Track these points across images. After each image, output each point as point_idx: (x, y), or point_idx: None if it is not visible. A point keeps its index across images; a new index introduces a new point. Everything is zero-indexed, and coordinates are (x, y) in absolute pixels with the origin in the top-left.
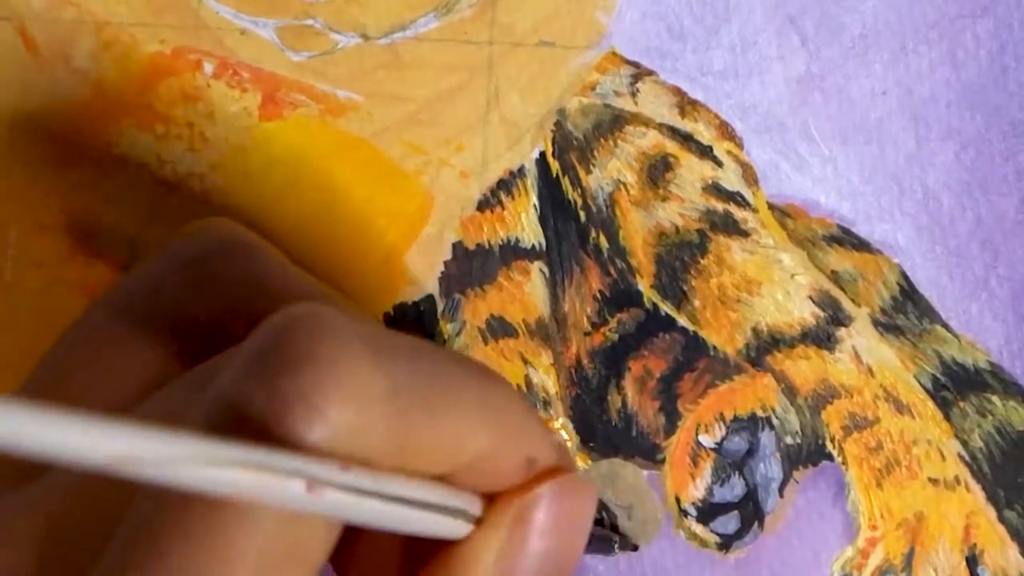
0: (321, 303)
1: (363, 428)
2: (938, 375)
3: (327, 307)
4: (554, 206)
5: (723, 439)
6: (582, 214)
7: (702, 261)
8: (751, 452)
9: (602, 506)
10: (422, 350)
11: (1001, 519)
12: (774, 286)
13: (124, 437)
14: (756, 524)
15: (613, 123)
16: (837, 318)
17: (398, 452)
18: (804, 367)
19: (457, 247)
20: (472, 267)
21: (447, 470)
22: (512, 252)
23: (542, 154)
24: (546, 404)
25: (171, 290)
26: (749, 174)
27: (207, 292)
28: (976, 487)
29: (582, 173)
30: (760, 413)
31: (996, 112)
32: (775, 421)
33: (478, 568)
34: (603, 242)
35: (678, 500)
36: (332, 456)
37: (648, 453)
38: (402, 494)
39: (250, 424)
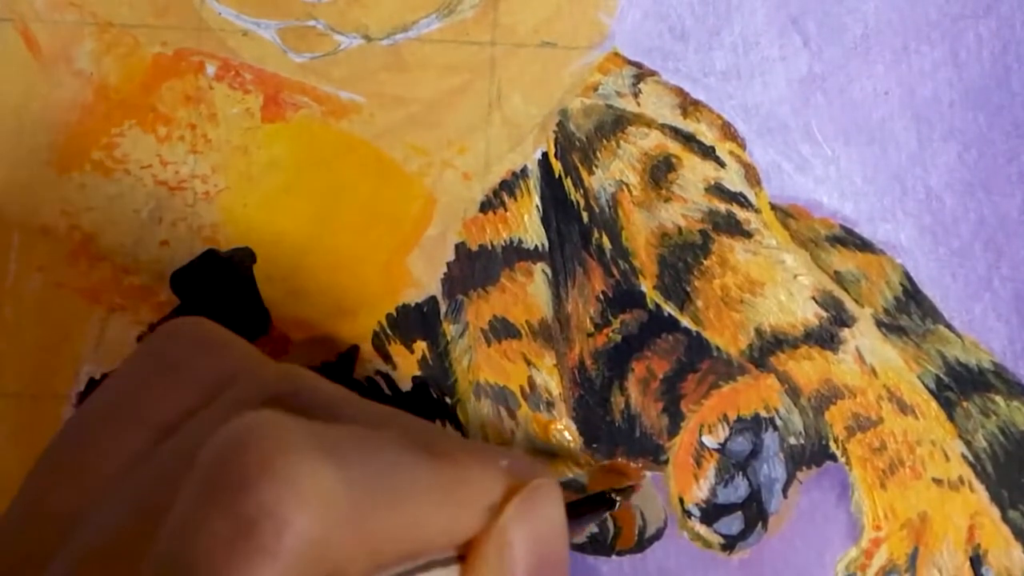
0: (269, 392)
1: (330, 531)
2: (941, 375)
3: (273, 413)
4: (557, 207)
5: (727, 440)
6: (585, 215)
7: (705, 262)
8: (755, 453)
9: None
10: (370, 441)
11: (1005, 519)
12: (777, 287)
13: None
14: (760, 525)
15: (615, 124)
16: (840, 319)
17: (365, 546)
18: (807, 368)
19: (460, 248)
20: (475, 268)
21: (415, 551)
22: (515, 253)
23: (544, 155)
24: (549, 405)
25: (152, 393)
26: (752, 175)
27: (185, 392)
28: (980, 487)
29: (584, 174)
30: (764, 414)
31: (999, 112)
32: (779, 422)
33: None
34: (606, 243)
35: (682, 501)
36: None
37: (652, 454)
38: None
39: (215, 551)
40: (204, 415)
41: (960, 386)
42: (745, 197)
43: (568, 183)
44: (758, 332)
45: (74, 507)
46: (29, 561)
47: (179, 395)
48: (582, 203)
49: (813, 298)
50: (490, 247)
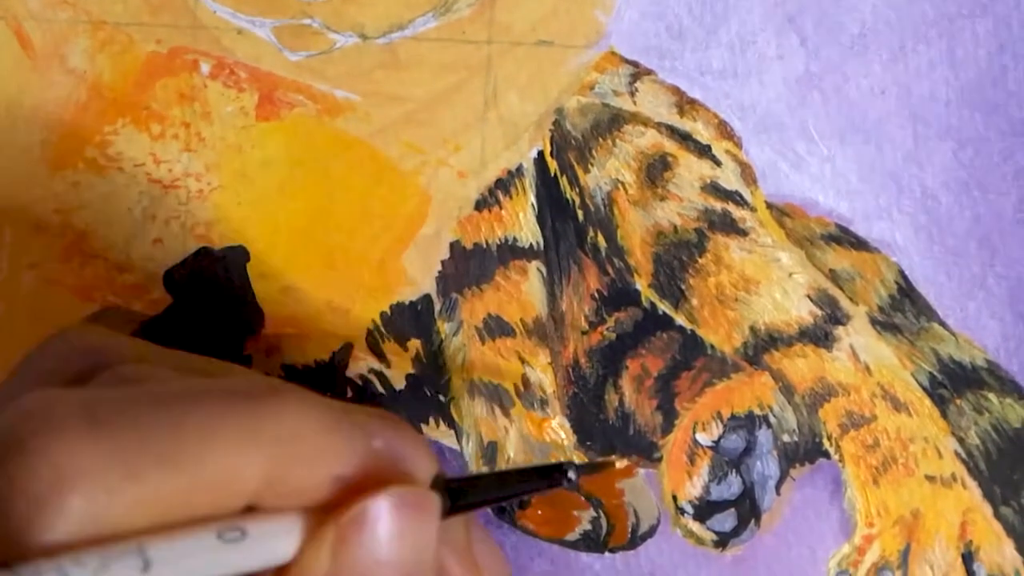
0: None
1: (99, 503)
2: (935, 373)
3: (44, 392)
4: (552, 205)
5: (720, 437)
6: (580, 213)
7: (700, 260)
8: (748, 450)
9: (597, 504)
10: (165, 399)
11: (997, 516)
12: (772, 285)
13: None
14: (753, 522)
15: (611, 122)
16: (835, 316)
17: (147, 506)
18: (802, 365)
19: (455, 246)
20: (470, 266)
21: (234, 504)
22: (510, 251)
23: (540, 153)
24: (543, 403)
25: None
26: (747, 173)
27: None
28: (972, 484)
29: (580, 172)
30: (757, 411)
31: (995, 111)
32: (772, 419)
33: None
34: (601, 241)
35: (675, 498)
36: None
37: (645, 451)
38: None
39: None
40: None
41: (953, 383)
42: (741, 195)
43: (564, 181)
44: (753, 330)
45: None
46: None
47: None
48: (577, 201)
49: (808, 296)
50: (485, 245)
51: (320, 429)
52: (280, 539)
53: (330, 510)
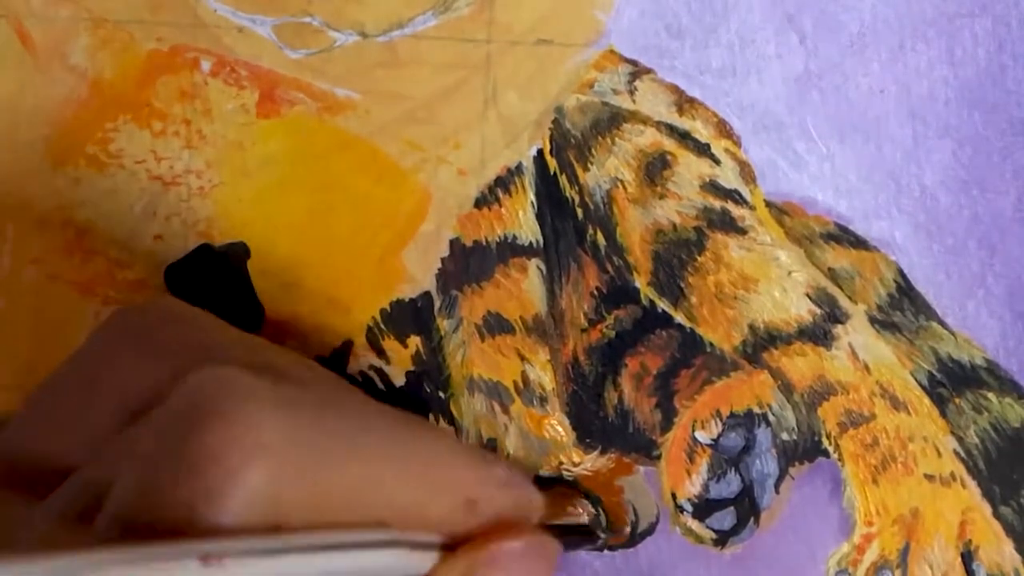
0: (239, 363)
1: (275, 482)
2: (934, 372)
3: (230, 368)
4: (552, 203)
5: (719, 435)
6: (579, 211)
7: (699, 258)
8: (747, 448)
9: (596, 502)
10: (331, 403)
11: (996, 515)
12: (771, 283)
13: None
14: (752, 520)
15: (611, 121)
16: (834, 315)
17: (312, 500)
18: (801, 364)
19: (455, 244)
20: (470, 264)
21: (378, 519)
22: (509, 249)
23: (540, 152)
24: (543, 400)
25: (123, 360)
26: (747, 172)
27: (154, 365)
28: (972, 483)
29: (580, 171)
30: (756, 410)
31: (994, 110)
32: (771, 418)
33: None
34: (600, 239)
35: (674, 496)
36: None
37: (644, 449)
38: (326, 542)
39: (167, 508)
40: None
41: (953, 382)
42: (740, 194)
43: (563, 180)
44: (752, 328)
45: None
46: None
47: (148, 368)
48: (577, 200)
49: (807, 295)
50: (485, 243)
51: (455, 457)
52: (417, 556)
53: (460, 537)
